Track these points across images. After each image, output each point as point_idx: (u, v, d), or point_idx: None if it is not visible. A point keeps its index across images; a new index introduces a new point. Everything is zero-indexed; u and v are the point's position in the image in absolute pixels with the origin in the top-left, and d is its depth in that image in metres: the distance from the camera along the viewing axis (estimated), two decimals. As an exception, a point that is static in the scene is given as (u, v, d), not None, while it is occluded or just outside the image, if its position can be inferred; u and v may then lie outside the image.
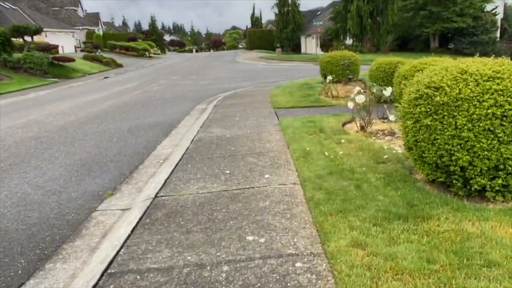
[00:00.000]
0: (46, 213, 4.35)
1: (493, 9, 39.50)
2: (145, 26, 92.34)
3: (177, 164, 5.60)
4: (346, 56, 12.54)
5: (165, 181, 4.91)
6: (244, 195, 4.18)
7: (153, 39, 73.30)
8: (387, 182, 4.00)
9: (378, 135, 6.12)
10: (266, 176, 4.72)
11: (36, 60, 24.83)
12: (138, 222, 3.73)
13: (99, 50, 41.48)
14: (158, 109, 11.67)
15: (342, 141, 5.72)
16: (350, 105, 5.97)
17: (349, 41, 40.48)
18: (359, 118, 6.46)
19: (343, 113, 8.10)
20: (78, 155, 6.75)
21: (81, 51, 42.61)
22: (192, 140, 7.06)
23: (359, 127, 6.34)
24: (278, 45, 52.38)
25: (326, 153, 5.17)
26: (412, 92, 3.76)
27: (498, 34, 38.89)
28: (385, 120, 7.05)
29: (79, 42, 50.95)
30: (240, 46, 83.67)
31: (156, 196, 4.39)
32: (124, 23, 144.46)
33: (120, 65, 36.71)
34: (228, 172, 5.02)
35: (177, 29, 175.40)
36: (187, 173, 5.14)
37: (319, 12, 57.87)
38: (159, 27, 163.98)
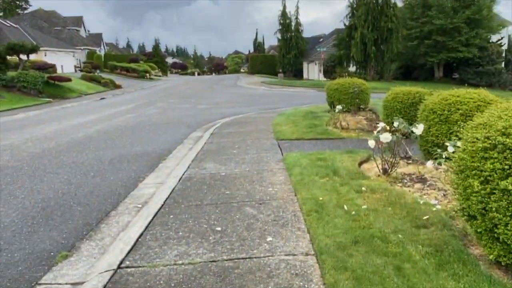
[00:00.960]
0: (-31, 285, 3.21)
1: (498, 40, 39.15)
2: (149, 48, 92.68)
3: (156, 213, 4.47)
4: (355, 83, 11.58)
5: (137, 239, 3.78)
6: (238, 271, 3.04)
7: (155, 61, 73.18)
8: (438, 262, 2.87)
9: (405, 181, 5.02)
10: (269, 239, 3.59)
11: (30, 79, 23.99)
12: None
13: (98, 71, 40.87)
14: (149, 136, 10.61)
15: (363, 188, 4.61)
16: (372, 143, 4.90)
17: (352, 68, 39.92)
18: (379, 157, 5.38)
19: (357, 149, 7.03)
20: (43, 194, 5.63)
21: (80, 71, 41.99)
22: (181, 178, 5.96)
23: (380, 170, 5.25)
24: (280, 70, 51.97)
25: (345, 207, 4.06)
26: (479, 139, 2.68)
27: (503, 65, 38.34)
28: (409, 161, 5.97)
29: (80, 62, 50.51)
30: (242, 70, 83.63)
31: (119, 266, 3.25)
32: (128, 45, 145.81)
33: (118, 86, 35.96)
34: (219, 229, 3.89)
35: (180, 52, 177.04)
36: (167, 228, 4.01)
37: (321, 39, 57.80)
38: (163, 49, 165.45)
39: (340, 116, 9.80)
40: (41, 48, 41.16)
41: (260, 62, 60.93)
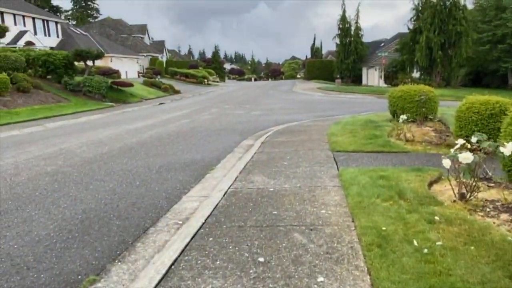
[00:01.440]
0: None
1: None
2: (209, 55, 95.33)
3: (195, 234, 4.04)
4: (422, 90, 10.57)
5: (170, 266, 3.35)
6: (280, 321, 2.49)
7: (213, 67, 74.80)
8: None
9: (488, 209, 4.17)
10: (320, 279, 3.00)
11: (95, 84, 25.13)
12: None
13: (158, 76, 42.23)
14: (199, 143, 10.37)
15: (436, 218, 3.86)
16: (447, 163, 4.12)
17: (415, 74, 37.84)
18: (453, 178, 4.55)
19: (425, 166, 6.18)
20: (85, 203, 5.45)
21: (143, 76, 43.66)
22: (226, 192, 5.52)
23: (456, 195, 4.44)
24: (338, 76, 50.70)
25: (415, 242, 3.36)
26: None
27: None
28: (491, 183, 5.07)
29: (143, 68, 52.68)
30: (298, 76, 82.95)
31: (145, 301, 2.83)
32: (190, 52, 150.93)
33: (177, 92, 36.86)
34: (262, 260, 3.36)
35: (238, 58, 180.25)
36: (204, 254, 3.56)
37: (382, 44, 55.63)
38: (222, 55, 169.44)
39: (405, 127, 8.88)
40: (106, 55, 43.40)
41: (317, 68, 59.93)
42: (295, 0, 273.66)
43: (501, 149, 3.93)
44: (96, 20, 65.48)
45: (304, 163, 7.14)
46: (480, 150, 4.20)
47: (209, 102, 25.56)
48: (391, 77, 38.26)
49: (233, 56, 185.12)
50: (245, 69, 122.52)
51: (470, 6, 35.29)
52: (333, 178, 5.99)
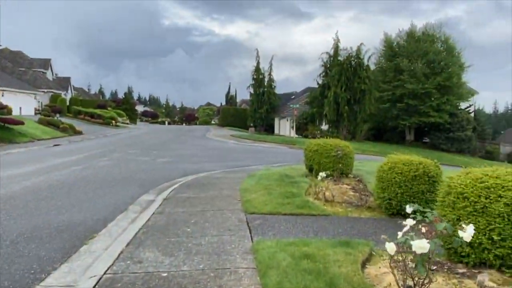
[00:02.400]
0: None
1: (467, 107, 40.04)
2: (122, 95, 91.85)
3: None
4: (338, 145, 10.11)
5: None
6: None
7: (124, 108, 71.25)
8: None
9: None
10: None
11: (-27, 119, 21.46)
12: None
13: (57, 115, 38.44)
14: (86, 198, 8.52)
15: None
16: (391, 249, 3.15)
17: (324, 127, 39.44)
18: (395, 265, 3.59)
19: (353, 239, 5.27)
20: None
21: (40, 114, 39.38)
22: (100, 280, 3.96)
23: (401, 287, 3.46)
24: (252, 124, 51.12)
25: None
26: None
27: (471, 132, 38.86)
28: (435, 266, 4.23)
29: (41, 104, 47.88)
30: (212, 122, 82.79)
31: None
32: (101, 91, 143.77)
33: (79, 132, 33.56)
34: None
35: (153, 101, 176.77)
36: None
37: (293, 96, 58.03)
38: (135, 97, 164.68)
39: (324, 185, 8.12)
40: (-3, 88, 38.64)
41: (231, 115, 60.22)
42: (212, 49, 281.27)
43: (460, 233, 3.07)
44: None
45: (212, 230, 5.83)
46: (434, 233, 3.30)
47: (113, 146, 23.24)
48: (302, 128, 39.41)
49: (148, 99, 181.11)
50: (159, 112, 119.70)
51: (372, 66, 38.37)
52: (247, 254, 4.75)
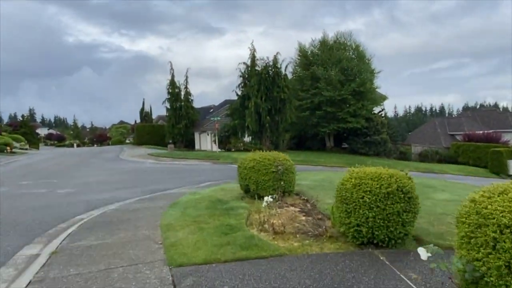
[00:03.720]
0: None
1: (380, 111, 41.68)
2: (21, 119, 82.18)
3: None
4: (277, 159, 8.51)
5: None
6: None
7: (22, 132, 63.59)
8: None
9: None
10: None
11: None
12: None
13: None
14: None
15: None
16: None
17: (247, 139, 38.22)
18: None
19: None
20: None
21: None
22: None
23: None
24: (171, 141, 48.26)
25: None
26: None
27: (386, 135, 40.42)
28: None
29: None
30: (127, 141, 77.72)
31: None
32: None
33: (-40, 163, 28.14)
34: None
35: (59, 123, 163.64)
36: None
37: (212, 110, 56.35)
38: (39, 120, 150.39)
39: (268, 212, 6.39)
40: None
41: (147, 132, 56.50)
42: (122, 66, 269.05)
43: None
44: None
45: (119, 308, 3.74)
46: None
47: (2, 177, 19.30)
48: (224, 142, 37.73)
49: (53, 121, 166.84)
50: (66, 134, 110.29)
51: (290, 75, 38.14)
52: None
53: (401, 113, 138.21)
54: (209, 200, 8.92)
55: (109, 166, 25.02)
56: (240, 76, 37.37)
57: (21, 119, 75.13)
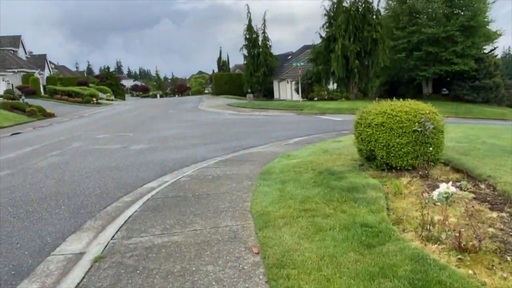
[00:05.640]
0: None
1: (491, 50, 35.10)
2: (112, 71, 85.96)
3: None
4: (420, 112, 5.63)
5: None
6: None
7: (108, 83, 65.91)
8: None
9: None
10: None
11: None
12: None
13: (23, 97, 33.53)
14: None
15: None
16: None
17: (332, 86, 34.70)
18: None
19: None
20: None
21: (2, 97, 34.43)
22: None
23: None
24: (249, 90, 46.20)
25: None
26: None
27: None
28: None
29: (12, 86, 42.72)
30: (206, 91, 77.68)
31: None
32: (89, 68, 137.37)
33: (50, 115, 28.88)
34: None
35: (143, 75, 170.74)
36: None
37: (290, 56, 52.78)
38: (125, 72, 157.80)
39: (443, 212, 3.70)
40: (-47, 71, 33.50)
41: (225, 82, 55.08)
42: (198, 16, 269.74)
43: None
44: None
45: None
46: None
47: (81, 130, 18.69)
48: (306, 90, 34.61)
49: (138, 72, 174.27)
50: (150, 85, 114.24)
51: (382, 12, 33.14)
52: None
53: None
54: (312, 169, 6.43)
55: (188, 118, 23.64)
56: (325, 15, 33.31)
57: (112, 71, 78.21)
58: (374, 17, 31.05)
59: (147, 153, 10.99)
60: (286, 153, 8.66)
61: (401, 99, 6.03)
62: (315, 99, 33.50)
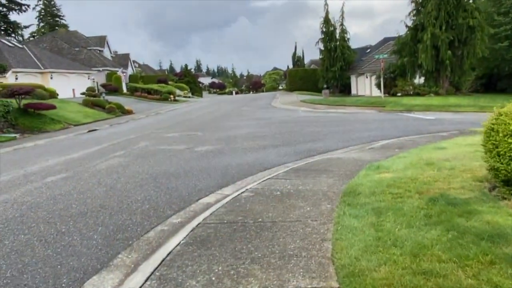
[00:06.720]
0: None
1: None
2: (192, 69, 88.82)
3: None
4: None
5: None
6: None
7: (186, 81, 67.65)
8: None
9: None
10: None
11: (-12, 108, 17.80)
12: None
13: (103, 94, 34.90)
14: None
15: None
16: None
17: (418, 80, 31.37)
18: None
19: None
20: None
21: (86, 95, 36.20)
22: None
23: None
24: (325, 86, 43.97)
25: None
26: None
27: None
28: None
29: (97, 84, 45.20)
30: (280, 87, 76.57)
31: None
32: (171, 67, 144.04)
33: (128, 112, 29.60)
34: None
35: (221, 72, 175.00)
36: None
37: (368, 50, 49.48)
38: (204, 70, 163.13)
39: None
40: (45, 70, 36.02)
41: (300, 77, 53.31)
42: (275, 13, 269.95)
43: None
44: (49, 32, 57.76)
45: None
46: None
47: (152, 127, 18.38)
48: (388, 85, 31.66)
49: (216, 70, 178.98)
50: (226, 83, 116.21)
51: (481, -6, 29.13)
52: None
53: None
54: (418, 193, 4.66)
55: (260, 115, 22.46)
56: (412, 2, 30.13)
57: (192, 70, 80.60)
58: (471, 1, 27.27)
59: (211, 156, 9.86)
60: (374, 163, 6.91)
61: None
62: (399, 94, 30.51)
